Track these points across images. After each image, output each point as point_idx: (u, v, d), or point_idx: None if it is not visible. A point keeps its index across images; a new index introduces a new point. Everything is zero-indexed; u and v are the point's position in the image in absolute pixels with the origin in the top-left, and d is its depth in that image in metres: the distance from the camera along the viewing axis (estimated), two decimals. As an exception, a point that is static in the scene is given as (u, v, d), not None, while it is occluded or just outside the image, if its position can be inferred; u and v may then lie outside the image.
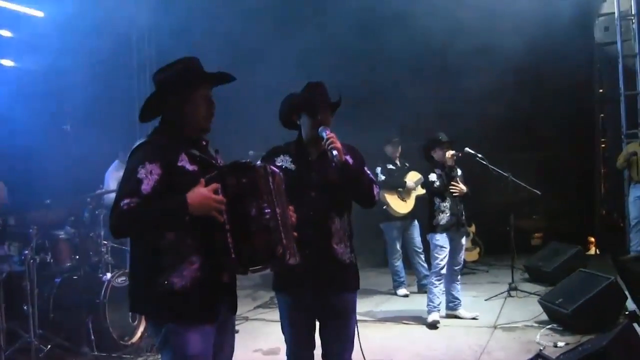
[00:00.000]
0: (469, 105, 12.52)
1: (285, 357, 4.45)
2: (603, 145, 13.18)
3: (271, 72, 10.65)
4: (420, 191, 9.53)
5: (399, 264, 9.99)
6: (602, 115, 13.02)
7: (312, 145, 4.31)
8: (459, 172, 8.27)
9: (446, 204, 8.07)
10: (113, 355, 6.87)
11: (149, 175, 3.28)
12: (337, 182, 4.15)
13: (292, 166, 4.29)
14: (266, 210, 3.31)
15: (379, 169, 9.66)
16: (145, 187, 3.26)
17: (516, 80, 12.52)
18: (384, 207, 9.65)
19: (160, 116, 3.65)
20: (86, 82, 9.39)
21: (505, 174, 9.18)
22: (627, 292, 7.71)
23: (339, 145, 4.08)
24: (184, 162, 3.40)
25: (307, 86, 4.39)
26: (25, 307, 6.57)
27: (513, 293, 9.14)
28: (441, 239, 8.02)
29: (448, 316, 8.18)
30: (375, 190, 4.35)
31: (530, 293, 9.04)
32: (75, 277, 7.33)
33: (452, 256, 8.12)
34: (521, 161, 12.50)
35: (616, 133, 12.14)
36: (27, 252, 6.67)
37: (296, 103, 4.36)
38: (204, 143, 3.63)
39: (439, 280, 8.03)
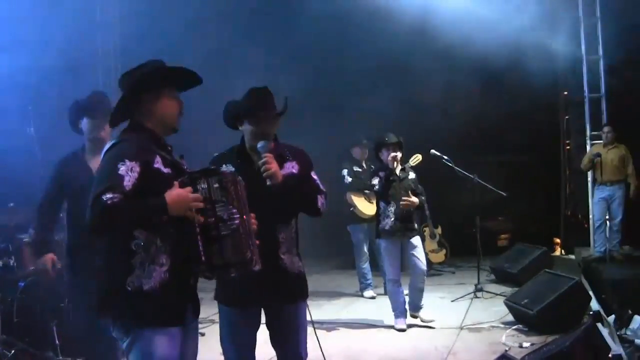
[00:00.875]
0: (435, 110, 12.61)
1: None
2: (568, 147, 13.30)
3: (236, 77, 10.62)
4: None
5: (365, 266, 10.00)
6: (566, 117, 13.14)
7: (256, 151, 4.16)
8: (412, 175, 8.02)
9: (391, 209, 7.80)
10: (78, 359, 6.80)
11: (130, 173, 3.27)
12: (281, 192, 4.01)
13: None
14: (235, 215, 3.33)
15: (345, 171, 9.67)
16: (127, 183, 3.24)
17: (481, 84, 12.62)
18: (351, 208, 9.66)
19: (129, 119, 3.62)
20: (51, 84, 9.27)
21: (470, 175, 9.25)
22: (591, 293, 7.81)
23: (273, 168, 3.97)
24: (159, 165, 3.41)
25: (249, 93, 4.24)
26: (-12, 313, 6.47)
27: (479, 294, 9.20)
28: (387, 245, 7.90)
29: (412, 316, 8.17)
30: (320, 201, 4.25)
31: (496, 294, 9.12)
32: (39, 281, 7.23)
33: (408, 261, 7.91)
34: (487, 164, 12.61)
35: (580, 135, 12.28)
36: (-11, 256, 6.58)
37: (237, 111, 4.23)
38: (169, 148, 3.62)
39: (395, 285, 7.91)
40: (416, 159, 8.21)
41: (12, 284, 7.16)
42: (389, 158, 7.67)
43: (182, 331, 3.49)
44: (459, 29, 10.56)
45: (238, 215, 3.34)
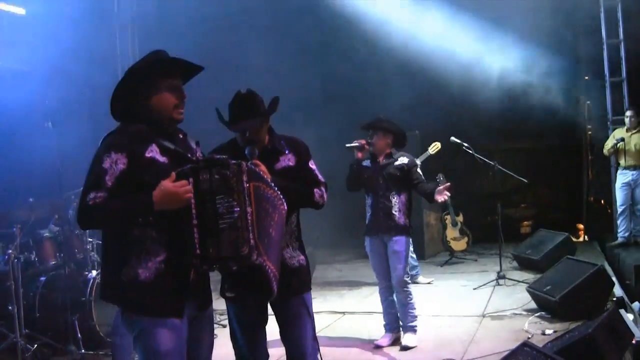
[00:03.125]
0: (455, 97, 12.53)
1: None
2: (589, 132, 13.19)
3: (255, 68, 10.62)
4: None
5: (387, 255, 9.93)
6: (587, 102, 13.01)
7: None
8: (401, 160, 6.62)
9: (368, 201, 6.73)
10: (100, 353, 6.84)
11: (114, 166, 3.27)
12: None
13: None
14: (235, 209, 3.24)
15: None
16: (109, 177, 3.25)
17: (500, 70, 12.55)
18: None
19: (131, 108, 3.56)
20: (68, 78, 9.32)
21: (491, 162, 9.18)
22: (614, 279, 7.74)
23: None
24: (154, 153, 3.36)
25: (232, 99, 4.18)
26: (10, 307, 6.49)
27: (501, 281, 9.12)
28: (367, 244, 6.81)
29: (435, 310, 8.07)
30: (317, 193, 4.18)
31: (519, 281, 9.04)
32: (60, 276, 7.27)
33: (390, 265, 6.63)
34: (508, 150, 12.54)
35: (602, 120, 12.16)
36: (10, 251, 6.60)
37: (222, 119, 4.19)
38: (181, 136, 3.59)
39: (383, 292, 6.85)
40: (435, 146, 8.15)
41: (34, 279, 7.23)
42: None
43: (191, 323, 3.47)
44: (480, 17, 10.52)
45: (238, 209, 3.24)
